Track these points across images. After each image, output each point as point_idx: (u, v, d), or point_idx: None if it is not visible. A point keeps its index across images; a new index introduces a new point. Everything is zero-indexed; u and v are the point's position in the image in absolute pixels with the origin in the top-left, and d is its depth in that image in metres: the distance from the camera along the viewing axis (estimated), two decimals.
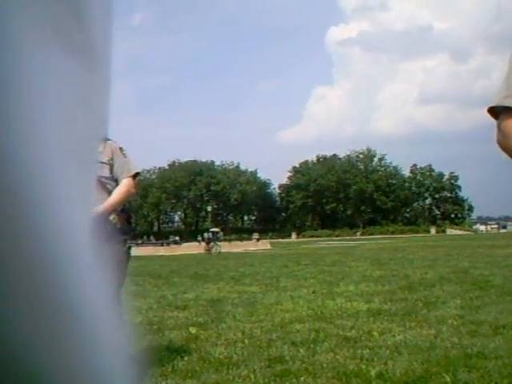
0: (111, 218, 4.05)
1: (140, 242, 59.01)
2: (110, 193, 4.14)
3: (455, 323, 6.47)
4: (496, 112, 1.99)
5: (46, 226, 0.32)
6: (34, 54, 0.33)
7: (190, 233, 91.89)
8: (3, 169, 0.30)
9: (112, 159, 4.21)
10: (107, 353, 0.39)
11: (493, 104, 1.97)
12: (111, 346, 0.40)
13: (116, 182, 4.23)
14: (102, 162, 4.08)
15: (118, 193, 4.16)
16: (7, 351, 0.31)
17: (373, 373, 4.50)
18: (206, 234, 45.77)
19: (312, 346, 5.64)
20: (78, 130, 0.38)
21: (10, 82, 0.31)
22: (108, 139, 4.20)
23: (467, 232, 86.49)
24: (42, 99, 0.34)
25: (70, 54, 0.37)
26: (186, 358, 5.31)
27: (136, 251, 39.38)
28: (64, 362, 0.35)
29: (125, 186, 4.21)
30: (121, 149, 4.30)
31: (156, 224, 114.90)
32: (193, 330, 6.72)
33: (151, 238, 78.58)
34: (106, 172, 4.15)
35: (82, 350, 0.36)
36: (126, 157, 4.29)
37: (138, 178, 4.48)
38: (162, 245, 53.19)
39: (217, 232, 50.51)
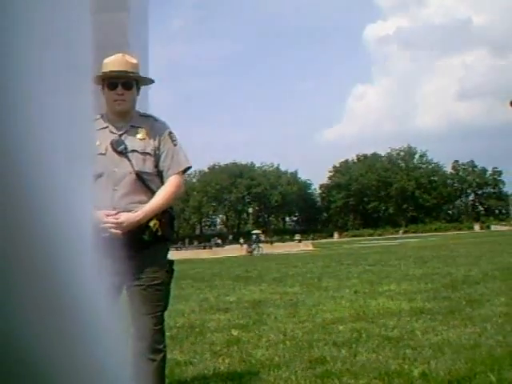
0: (151, 224, 3.20)
1: (178, 246, 59.17)
2: (153, 193, 3.26)
3: (500, 321, 6.36)
4: None
5: (48, 222, 0.33)
6: (29, 55, 0.33)
7: (232, 235, 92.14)
8: (5, 170, 0.30)
9: (158, 148, 3.31)
10: (109, 352, 0.40)
11: None
12: (113, 346, 0.40)
13: (161, 177, 3.34)
14: (146, 153, 3.27)
15: (164, 194, 3.27)
16: (12, 349, 0.31)
17: (416, 373, 4.45)
18: (253, 237, 45.80)
19: (354, 346, 5.61)
20: (73, 128, 0.39)
21: (11, 83, 0.31)
22: (156, 120, 3.43)
23: None
24: (41, 100, 0.34)
25: (54, 44, 0.37)
26: (227, 361, 5.33)
27: (178, 255, 39.67)
28: (67, 361, 0.35)
29: (172, 185, 3.30)
30: (171, 134, 3.38)
31: (198, 227, 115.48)
32: (234, 332, 6.74)
33: (185, 241, 78.72)
34: (149, 166, 3.28)
35: (85, 349, 0.36)
36: (176, 144, 3.37)
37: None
38: (204, 248, 53.40)
39: (258, 234, 50.51)
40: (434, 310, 7.56)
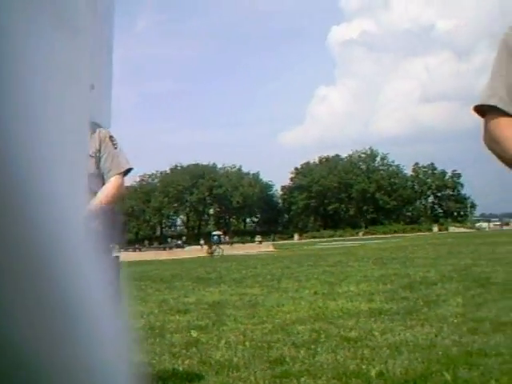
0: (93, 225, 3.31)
1: (138, 247, 58.87)
2: (94, 194, 3.30)
3: (456, 321, 6.47)
4: (482, 111, 2.02)
5: (42, 222, 0.33)
6: (25, 28, 0.33)
7: (193, 236, 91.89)
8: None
9: (99, 151, 3.41)
10: (105, 352, 0.39)
11: (477, 103, 2.01)
12: (110, 345, 0.40)
13: (102, 179, 3.43)
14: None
15: (104, 195, 3.34)
16: (6, 351, 0.31)
17: (373, 372, 4.50)
18: (214, 238, 46.00)
19: (313, 346, 5.64)
20: (67, 118, 0.39)
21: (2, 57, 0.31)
22: (97, 125, 3.37)
23: (470, 230, 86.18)
24: (35, 102, 0.34)
25: (55, 25, 0.37)
26: (186, 362, 5.31)
27: (138, 256, 39.44)
28: (62, 362, 0.35)
29: (113, 186, 3.40)
30: (111, 138, 3.48)
31: (158, 228, 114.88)
32: (194, 334, 6.72)
33: (145, 242, 78.55)
34: (91, 167, 3.35)
35: (81, 349, 0.36)
36: (116, 148, 3.48)
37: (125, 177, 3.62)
38: (164, 249, 53.15)
39: (219, 235, 50.54)
40: (392, 310, 7.64)
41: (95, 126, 3.45)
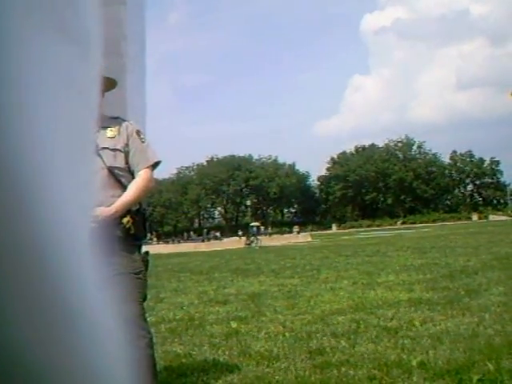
0: (124, 221, 3.28)
1: (177, 239, 59.27)
2: (124, 188, 3.35)
3: (498, 310, 6.38)
4: None
5: (45, 223, 0.33)
6: (30, 41, 0.33)
7: (231, 228, 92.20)
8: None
9: (127, 145, 3.43)
10: (106, 352, 0.39)
11: None
12: (110, 345, 0.40)
13: (132, 173, 3.44)
14: (116, 150, 3.38)
15: (134, 188, 3.35)
16: (7, 351, 0.31)
17: (414, 362, 4.46)
18: (253, 229, 46.26)
19: (352, 337, 5.62)
20: (73, 120, 0.38)
21: (8, 73, 0.31)
22: (123, 120, 3.51)
23: (510, 217, 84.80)
24: (39, 89, 0.34)
25: (63, 39, 0.37)
26: (227, 353, 5.34)
27: (177, 248, 39.68)
28: (62, 362, 0.35)
29: (142, 179, 3.39)
30: (138, 132, 3.50)
31: (196, 220, 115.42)
32: (234, 325, 6.76)
33: (183, 234, 79.13)
34: (120, 162, 3.39)
35: (81, 349, 0.36)
36: (143, 142, 3.49)
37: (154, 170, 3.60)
38: (202, 241, 53.39)
39: (257, 226, 50.59)
40: (432, 300, 7.58)
41: (121, 121, 3.50)
